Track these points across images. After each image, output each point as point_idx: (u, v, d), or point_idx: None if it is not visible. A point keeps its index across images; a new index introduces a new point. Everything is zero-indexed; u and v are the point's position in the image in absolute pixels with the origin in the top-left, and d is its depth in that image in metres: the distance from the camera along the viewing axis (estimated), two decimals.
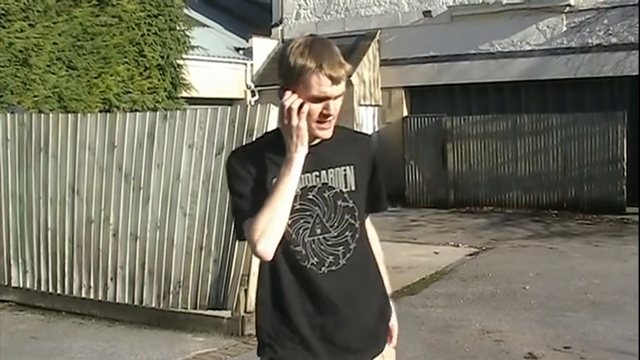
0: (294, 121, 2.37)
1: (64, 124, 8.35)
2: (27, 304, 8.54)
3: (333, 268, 2.53)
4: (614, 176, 15.75)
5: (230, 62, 19.58)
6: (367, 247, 2.68)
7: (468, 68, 18.42)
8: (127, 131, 7.89)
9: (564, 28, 17.38)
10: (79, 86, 12.11)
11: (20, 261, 8.70)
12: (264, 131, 6.91)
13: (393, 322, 2.80)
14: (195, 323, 7.40)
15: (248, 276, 7.06)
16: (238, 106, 7.49)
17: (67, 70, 12.03)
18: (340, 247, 2.55)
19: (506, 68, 17.91)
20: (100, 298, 8.05)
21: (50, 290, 8.44)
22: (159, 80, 13.76)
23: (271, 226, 2.36)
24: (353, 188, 2.57)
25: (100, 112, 11.56)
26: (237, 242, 7.08)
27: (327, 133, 2.48)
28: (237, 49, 20.28)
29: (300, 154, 2.39)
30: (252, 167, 2.49)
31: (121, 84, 12.98)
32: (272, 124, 7.02)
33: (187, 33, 14.63)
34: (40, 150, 8.50)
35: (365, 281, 2.63)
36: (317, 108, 2.41)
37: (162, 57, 13.80)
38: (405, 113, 19.36)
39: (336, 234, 2.54)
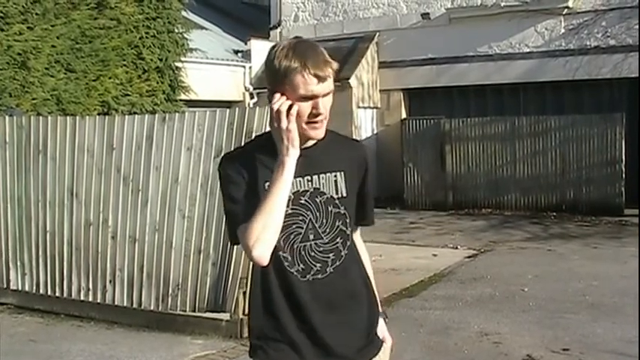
0: (284, 124, 2.36)
1: (63, 127, 8.34)
2: (25, 306, 8.53)
3: (319, 276, 2.51)
4: (613, 178, 15.76)
5: (228, 65, 19.58)
6: (357, 255, 2.67)
7: (467, 70, 18.44)
8: (126, 134, 7.89)
9: (562, 31, 17.40)
10: (78, 89, 12.11)
11: (19, 263, 8.69)
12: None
13: (384, 333, 2.76)
14: (193, 326, 7.40)
15: (247, 278, 7.05)
16: (237, 109, 7.50)
17: (65, 73, 12.03)
18: (331, 254, 2.54)
19: (504, 70, 17.92)
20: (98, 301, 8.04)
21: (49, 293, 8.43)
22: (157, 83, 13.75)
23: (266, 231, 2.34)
24: (344, 194, 2.56)
25: (99, 114, 11.56)
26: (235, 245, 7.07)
27: (319, 132, 2.47)
28: (236, 52, 20.28)
29: (291, 157, 2.38)
30: (245, 171, 2.47)
31: (120, 87, 12.98)
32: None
33: (186, 35, 14.61)
34: (39, 153, 8.50)
35: (352, 290, 2.61)
36: (306, 108, 2.40)
37: (161, 59, 13.79)
38: (404, 115, 19.37)
39: (327, 240, 2.53)
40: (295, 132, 2.38)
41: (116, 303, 7.90)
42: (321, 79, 2.37)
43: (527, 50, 17.84)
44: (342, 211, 2.55)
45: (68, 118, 8.59)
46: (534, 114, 17.14)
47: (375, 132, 19.57)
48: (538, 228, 14.48)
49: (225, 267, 7.17)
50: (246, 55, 20.06)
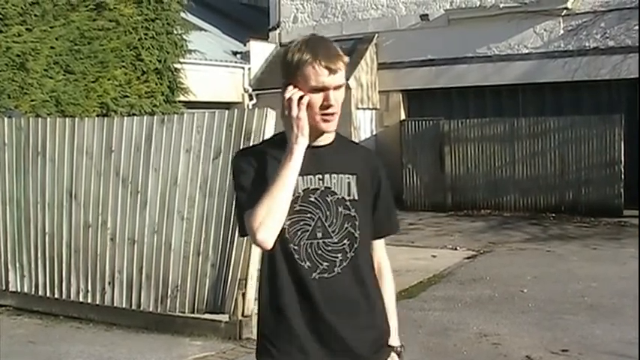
0: (294, 112, 2.42)
1: (62, 129, 8.34)
2: (24, 308, 8.52)
3: (326, 275, 2.51)
4: (612, 179, 15.77)
5: (227, 66, 19.57)
6: (368, 262, 2.65)
7: (466, 71, 18.44)
8: (125, 135, 7.89)
9: (561, 32, 17.41)
10: (77, 90, 12.11)
11: (18, 265, 8.68)
12: (262, 135, 6.95)
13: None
14: (192, 327, 7.39)
15: (246, 280, 7.07)
16: (235, 110, 7.50)
17: (64, 75, 12.03)
18: (339, 254, 2.53)
19: (503, 71, 17.92)
20: (97, 303, 8.03)
21: (48, 295, 8.43)
22: (156, 84, 13.75)
23: (271, 215, 2.36)
24: (355, 197, 2.57)
25: (98, 116, 11.58)
26: (234, 246, 7.08)
27: (330, 126, 2.50)
28: (235, 53, 20.27)
29: (300, 145, 2.42)
30: (255, 163, 2.51)
31: (119, 88, 12.98)
32: (269, 128, 7.03)
33: (185, 37, 14.62)
34: (38, 154, 8.50)
35: (360, 294, 2.58)
36: (317, 99, 2.45)
37: (160, 61, 13.79)
38: (403, 116, 19.37)
39: (336, 240, 2.53)
40: (305, 121, 2.42)
41: (115, 304, 7.90)
42: (332, 71, 2.44)
43: (526, 51, 17.84)
44: (353, 214, 2.56)
45: (67, 119, 8.59)
46: (533, 115, 17.14)
47: (374, 133, 19.57)
48: (537, 229, 14.49)
49: (225, 268, 7.16)
50: (245, 57, 20.06)
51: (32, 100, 11.36)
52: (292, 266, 2.50)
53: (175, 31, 14.33)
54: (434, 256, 11.60)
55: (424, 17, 18.97)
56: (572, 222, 15.14)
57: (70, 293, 8.24)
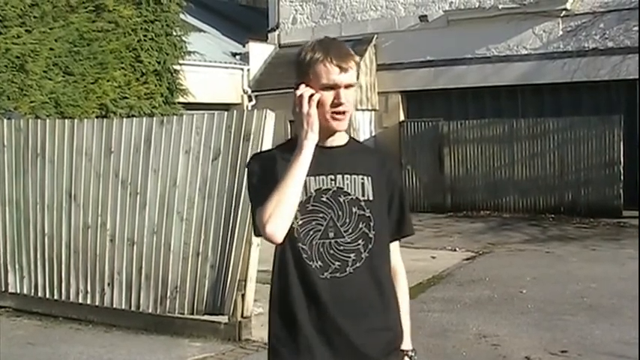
0: (305, 108, 2.46)
1: (61, 130, 8.35)
2: (24, 309, 8.53)
3: (338, 275, 2.51)
4: (611, 180, 15.78)
5: (227, 67, 19.58)
6: (385, 263, 2.64)
7: (465, 72, 18.43)
8: (124, 137, 7.89)
9: (560, 32, 17.41)
10: (76, 92, 12.11)
11: (17, 267, 8.68)
12: (261, 136, 6.96)
13: None
14: (192, 328, 7.39)
15: (245, 281, 7.07)
16: (235, 112, 7.50)
17: (63, 76, 12.03)
18: (352, 254, 2.53)
19: (502, 72, 17.92)
20: (97, 304, 8.03)
21: (47, 296, 8.43)
22: (155, 86, 13.76)
23: (280, 208, 2.38)
24: (370, 198, 2.57)
25: (97, 117, 11.58)
26: (234, 247, 7.08)
27: (341, 124, 2.53)
28: (234, 55, 20.28)
29: (310, 141, 2.44)
30: (268, 165, 2.54)
31: (118, 89, 12.98)
32: (269, 129, 7.03)
33: (184, 38, 14.63)
34: (37, 156, 8.50)
35: (374, 294, 2.57)
36: (328, 97, 2.48)
37: (159, 62, 13.80)
38: (402, 118, 19.37)
39: (349, 240, 2.53)
40: (315, 117, 2.46)
41: (114, 306, 7.89)
42: (343, 69, 2.48)
43: (525, 52, 17.83)
44: (367, 214, 2.56)
45: (66, 121, 8.60)
46: (532, 116, 17.15)
47: (374, 134, 19.56)
48: (536, 230, 14.50)
49: (224, 269, 7.16)
50: (245, 58, 20.06)
51: (31, 102, 11.36)
52: (300, 266, 2.51)
53: (174, 33, 14.34)
54: (433, 257, 11.60)
55: (423, 18, 18.97)
56: (572, 223, 15.14)
57: (69, 294, 8.24)
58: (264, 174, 2.52)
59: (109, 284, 7.94)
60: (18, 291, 8.67)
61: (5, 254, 8.76)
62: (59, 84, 11.86)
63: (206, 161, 7.35)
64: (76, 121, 8.54)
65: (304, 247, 2.50)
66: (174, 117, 8.52)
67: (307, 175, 2.46)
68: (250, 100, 19.64)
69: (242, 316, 7.14)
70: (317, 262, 2.51)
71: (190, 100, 14.64)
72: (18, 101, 11.19)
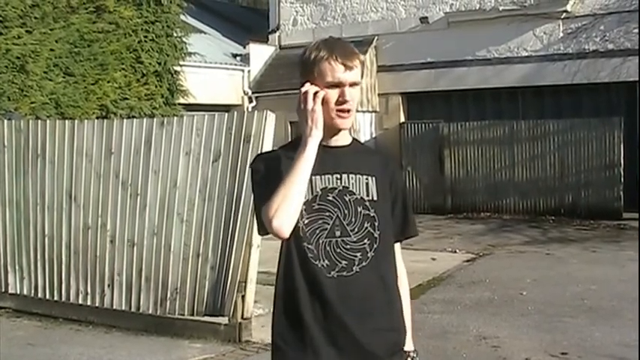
0: (310, 105, 2.46)
1: (61, 131, 8.35)
2: (24, 310, 8.52)
3: (344, 273, 2.51)
4: (611, 182, 15.78)
5: (227, 69, 19.59)
6: (390, 263, 2.65)
7: (465, 74, 18.44)
8: (124, 138, 7.89)
9: (561, 34, 17.41)
10: (76, 93, 12.11)
11: (17, 267, 8.68)
12: (261, 137, 6.96)
13: None
14: (192, 330, 7.39)
15: (245, 282, 7.06)
16: (235, 113, 7.50)
17: (64, 77, 12.04)
18: (358, 253, 2.53)
19: (503, 74, 17.93)
20: (97, 305, 8.03)
21: (47, 297, 8.43)
22: (156, 87, 13.76)
23: (286, 203, 2.38)
24: (375, 198, 2.58)
25: (97, 118, 11.57)
26: (234, 249, 7.08)
27: (346, 122, 2.54)
28: (234, 56, 20.29)
29: (314, 137, 2.45)
30: (272, 164, 2.54)
31: (118, 90, 12.99)
32: (269, 131, 7.03)
33: (184, 39, 14.64)
34: (37, 156, 8.50)
35: (380, 293, 2.58)
36: (333, 95, 2.49)
37: (160, 63, 13.80)
38: (402, 119, 19.38)
39: (355, 239, 2.54)
40: (319, 114, 2.46)
41: (114, 307, 7.89)
42: (348, 67, 2.49)
43: (526, 54, 17.84)
44: (372, 214, 2.57)
45: (67, 121, 8.60)
46: (533, 118, 17.14)
47: (374, 136, 19.57)
48: (537, 232, 14.49)
49: (224, 271, 7.16)
50: (245, 59, 20.07)
51: (32, 103, 11.36)
52: (306, 265, 2.51)
53: (175, 34, 14.35)
54: (433, 259, 11.59)
55: (424, 20, 18.97)
56: (572, 225, 15.14)
57: (69, 295, 8.24)
58: (269, 172, 2.52)
59: (109, 285, 7.94)
60: (18, 292, 8.67)
61: (5, 255, 8.76)
62: (59, 85, 11.86)
63: (206, 163, 7.35)
64: (76, 121, 8.54)
65: (310, 246, 2.51)
66: (175, 118, 8.53)
67: (313, 174, 2.47)
68: (250, 101, 19.65)
69: (242, 317, 7.14)
70: (323, 260, 2.51)
71: (191, 101, 14.64)
72: (18, 102, 11.19)
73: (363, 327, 2.52)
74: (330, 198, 2.54)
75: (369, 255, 2.54)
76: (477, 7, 18.29)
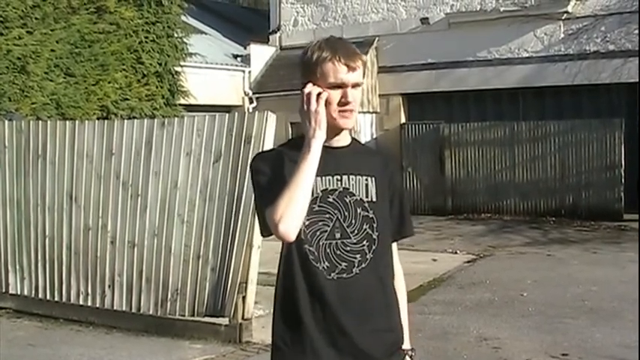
0: (313, 106, 2.44)
1: (62, 132, 8.35)
2: (24, 311, 8.53)
3: (344, 275, 2.51)
4: (612, 183, 15.78)
5: (228, 69, 19.58)
6: (387, 265, 2.66)
7: (466, 75, 18.43)
8: (125, 139, 7.89)
9: (562, 35, 17.40)
10: (77, 93, 12.11)
11: (18, 268, 8.69)
12: (262, 138, 6.96)
13: None
14: (192, 330, 7.39)
15: (246, 283, 7.07)
16: (236, 114, 7.50)
17: (64, 77, 12.03)
18: (357, 255, 2.53)
19: (503, 75, 17.92)
20: (97, 306, 8.03)
21: (48, 297, 8.43)
22: (157, 87, 13.76)
23: (292, 206, 2.36)
24: (374, 199, 2.58)
25: (98, 119, 11.56)
26: (234, 250, 7.08)
27: (348, 122, 2.53)
28: (235, 56, 20.28)
29: (318, 139, 2.43)
30: (274, 164, 2.53)
31: (119, 91, 12.98)
32: (270, 132, 7.03)
33: (185, 40, 14.63)
34: (38, 157, 8.50)
35: (379, 295, 2.59)
36: (335, 95, 2.48)
37: (160, 64, 13.80)
38: (403, 120, 19.37)
39: (355, 241, 2.54)
40: (323, 115, 2.45)
41: (115, 308, 7.90)
42: (350, 68, 2.49)
43: (527, 55, 17.83)
44: (371, 215, 2.57)
45: (67, 122, 8.60)
46: (533, 119, 17.14)
47: (375, 136, 19.56)
48: (537, 233, 14.49)
49: (225, 272, 7.16)
50: (246, 60, 20.07)
51: (33, 103, 11.36)
52: (306, 267, 2.51)
53: (176, 34, 14.34)
54: (434, 260, 11.60)
55: (424, 21, 18.97)
56: (573, 226, 15.14)
57: (70, 296, 8.24)
58: (271, 173, 2.51)
59: (109, 286, 7.94)
60: (18, 292, 8.68)
61: (6, 255, 8.76)
62: (60, 85, 11.86)
63: (207, 163, 7.35)
64: (77, 122, 8.55)
65: (311, 248, 2.50)
66: (175, 119, 8.54)
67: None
68: (251, 102, 19.65)
69: (243, 318, 7.14)
70: (324, 263, 2.51)
71: (191, 101, 14.64)
72: (19, 102, 11.18)
73: (362, 328, 2.52)
74: (331, 200, 2.54)
75: (367, 256, 2.55)
76: (478, 8, 18.28)
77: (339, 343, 2.50)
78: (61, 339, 7.56)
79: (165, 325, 7.53)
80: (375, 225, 2.56)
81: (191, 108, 14.45)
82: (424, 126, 18.03)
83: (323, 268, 2.50)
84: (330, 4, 20.40)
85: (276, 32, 21.23)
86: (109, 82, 12.80)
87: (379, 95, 19.66)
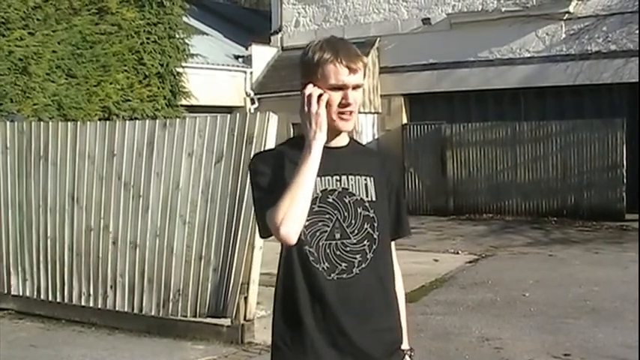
0: (314, 108, 2.43)
1: (64, 133, 8.36)
2: (26, 312, 8.53)
3: (344, 276, 2.51)
4: (614, 183, 15.77)
5: (229, 70, 19.59)
6: (387, 264, 2.66)
7: (467, 75, 18.43)
8: (127, 139, 7.90)
9: (563, 36, 17.39)
10: (79, 94, 12.12)
11: (20, 269, 8.69)
12: (264, 139, 6.96)
13: None
14: (194, 331, 7.39)
15: (248, 284, 7.07)
16: (237, 115, 7.49)
17: (66, 79, 12.04)
18: (357, 255, 2.53)
19: (505, 75, 17.91)
20: (99, 307, 8.04)
21: (50, 298, 8.44)
22: (158, 88, 13.76)
23: (293, 209, 2.36)
24: (374, 199, 2.58)
25: (100, 120, 11.57)
26: (236, 250, 7.08)
27: (348, 124, 2.53)
28: (237, 57, 20.29)
29: (319, 140, 2.42)
30: (273, 165, 2.53)
31: (121, 92, 12.99)
32: (271, 132, 7.04)
33: (187, 41, 14.63)
34: (40, 158, 8.51)
35: (379, 295, 2.59)
36: (336, 97, 2.47)
37: (162, 65, 13.80)
38: (405, 121, 19.37)
39: (355, 241, 2.54)
40: (324, 117, 2.44)
41: (117, 308, 7.90)
42: (352, 70, 2.48)
43: (528, 55, 17.83)
44: (371, 215, 2.57)
45: (69, 123, 8.61)
46: (535, 119, 17.13)
47: (376, 137, 19.56)
48: (539, 233, 14.48)
49: (226, 272, 7.16)
50: (247, 61, 20.08)
51: (34, 104, 11.36)
52: (306, 268, 2.50)
53: (177, 35, 14.35)
54: (436, 260, 11.60)
55: (426, 21, 18.98)
56: (574, 226, 15.14)
57: (72, 297, 8.25)
58: (271, 174, 2.50)
59: (111, 287, 7.95)
60: (20, 293, 8.68)
61: (8, 256, 8.77)
62: (62, 86, 11.86)
63: (209, 164, 7.36)
64: (79, 123, 8.56)
65: (311, 249, 2.50)
66: (177, 120, 8.54)
67: None
68: (253, 102, 19.66)
69: (245, 318, 7.14)
70: (324, 263, 2.50)
71: (193, 102, 14.64)
72: (21, 104, 11.19)
73: (362, 328, 2.52)
74: (330, 200, 2.53)
75: (368, 256, 2.55)
76: (480, 9, 18.28)
77: (339, 343, 2.51)
78: (63, 340, 7.56)
79: (168, 326, 7.54)
80: (375, 224, 2.57)
81: (193, 109, 14.45)
82: (426, 126, 18.04)
83: (323, 268, 2.50)
84: (331, 5, 20.41)
85: (277, 33, 21.24)
86: (111, 83, 12.81)
87: (381, 96, 19.67)
